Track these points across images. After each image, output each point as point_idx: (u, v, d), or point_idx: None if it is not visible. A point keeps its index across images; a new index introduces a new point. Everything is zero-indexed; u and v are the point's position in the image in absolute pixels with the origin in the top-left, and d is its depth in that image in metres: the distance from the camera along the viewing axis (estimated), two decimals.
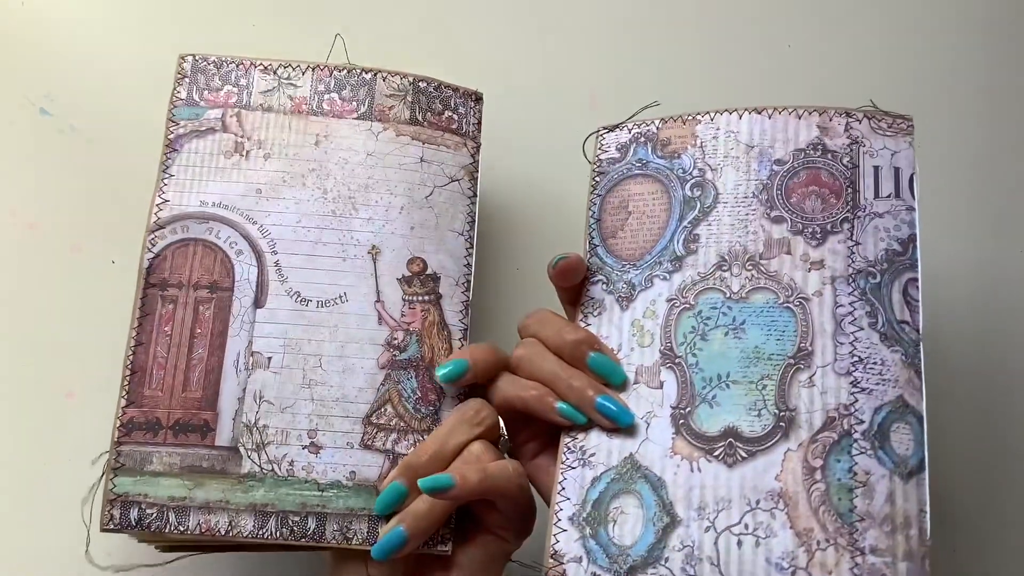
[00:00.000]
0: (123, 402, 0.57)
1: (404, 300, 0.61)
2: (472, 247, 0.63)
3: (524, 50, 0.81)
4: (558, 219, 0.74)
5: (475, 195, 0.64)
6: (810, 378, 0.55)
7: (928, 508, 0.51)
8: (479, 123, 0.66)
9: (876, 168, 0.59)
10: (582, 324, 0.60)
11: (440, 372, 0.59)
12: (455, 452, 0.57)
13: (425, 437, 0.58)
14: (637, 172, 0.63)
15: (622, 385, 0.58)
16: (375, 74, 0.65)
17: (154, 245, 0.60)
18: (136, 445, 0.57)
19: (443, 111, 0.65)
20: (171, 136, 0.62)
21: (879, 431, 0.53)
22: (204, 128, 0.63)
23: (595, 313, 0.61)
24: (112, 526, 0.56)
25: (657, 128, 0.64)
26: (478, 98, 0.66)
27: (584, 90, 0.79)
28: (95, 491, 0.57)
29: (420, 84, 0.65)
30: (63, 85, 0.76)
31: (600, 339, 0.59)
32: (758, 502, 0.53)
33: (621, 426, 0.56)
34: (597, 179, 0.64)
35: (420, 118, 0.64)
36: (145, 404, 0.57)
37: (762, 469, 0.53)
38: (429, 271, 0.61)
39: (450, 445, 0.57)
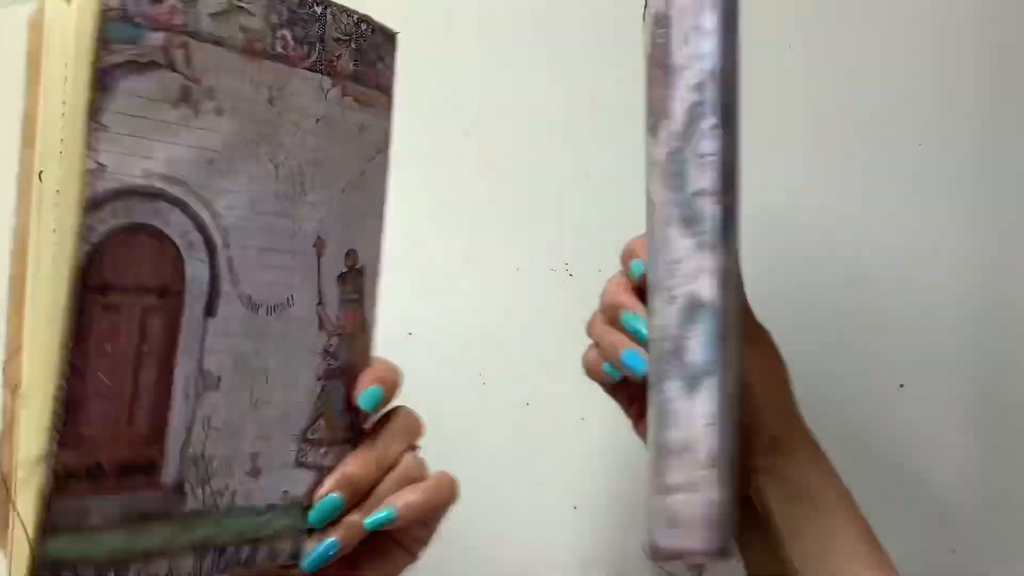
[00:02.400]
0: (54, 446, 0.44)
1: (340, 302, 0.54)
2: (383, 230, 0.57)
3: None
4: None
5: (389, 165, 0.57)
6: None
7: (717, 420, 0.47)
8: (394, 73, 0.57)
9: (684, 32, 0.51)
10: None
11: (363, 402, 0.55)
12: (395, 462, 0.56)
13: (349, 446, 0.55)
14: None
15: None
16: (325, 8, 0.52)
17: (91, 231, 0.43)
18: (74, 498, 0.44)
19: (375, 62, 0.55)
20: (102, 65, 0.43)
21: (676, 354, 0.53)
22: (145, 60, 0.45)
23: None
24: None
25: None
26: (392, 38, 0.57)
27: None
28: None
29: (362, 27, 0.54)
30: None
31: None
32: None
33: (640, 376, 0.58)
34: None
35: (362, 73, 0.54)
36: (84, 446, 0.44)
37: None
38: (358, 265, 0.55)
39: (390, 456, 0.56)
